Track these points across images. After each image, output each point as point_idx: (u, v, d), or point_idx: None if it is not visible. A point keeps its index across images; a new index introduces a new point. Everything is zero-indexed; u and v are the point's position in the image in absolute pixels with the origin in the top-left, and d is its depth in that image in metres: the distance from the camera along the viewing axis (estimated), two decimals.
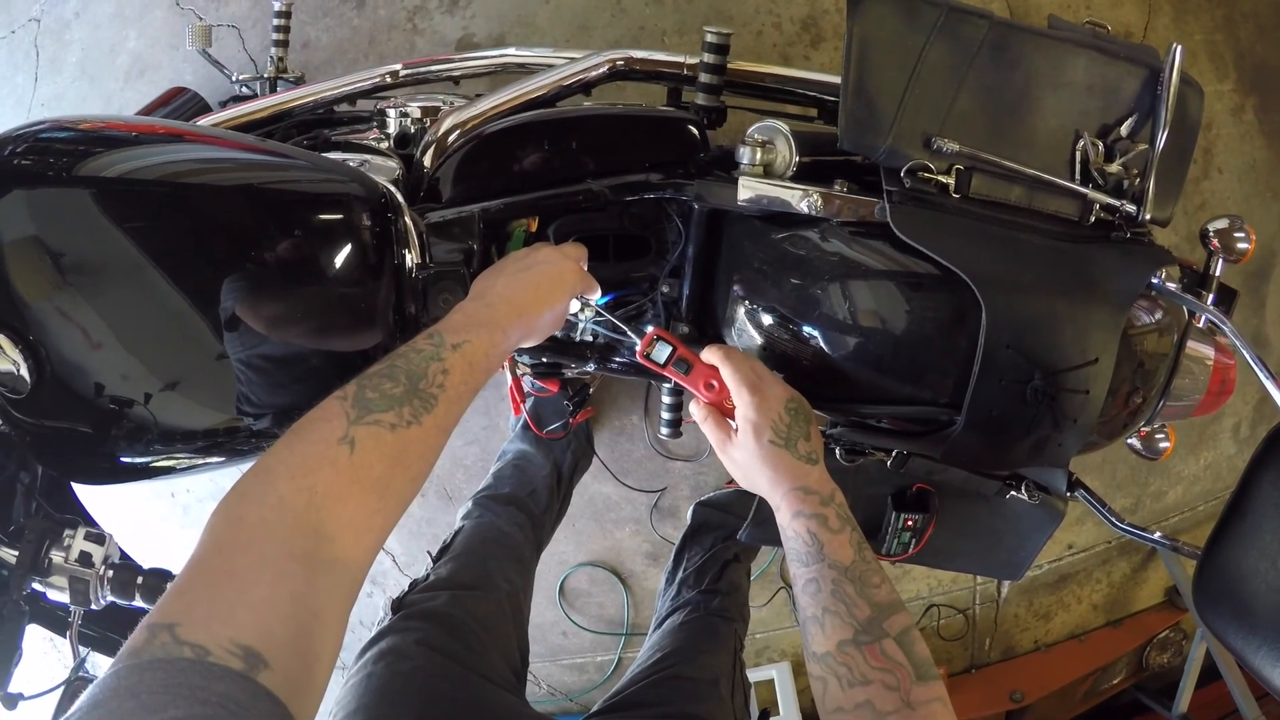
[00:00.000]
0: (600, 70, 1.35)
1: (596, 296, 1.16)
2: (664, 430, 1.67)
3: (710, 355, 1.11)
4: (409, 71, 1.61)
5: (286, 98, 1.53)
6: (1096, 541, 3.05)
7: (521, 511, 1.98)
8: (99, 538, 1.09)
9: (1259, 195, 2.84)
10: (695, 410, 1.13)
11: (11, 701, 1.08)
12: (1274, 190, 2.85)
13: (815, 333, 1.17)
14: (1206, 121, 2.65)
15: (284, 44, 2.14)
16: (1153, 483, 3.00)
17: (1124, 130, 1.14)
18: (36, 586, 1.08)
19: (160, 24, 2.74)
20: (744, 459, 1.07)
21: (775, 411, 1.05)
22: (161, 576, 1.09)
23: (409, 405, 0.84)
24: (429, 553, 1.71)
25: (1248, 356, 1.04)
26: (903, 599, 0.96)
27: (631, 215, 1.34)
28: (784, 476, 1.03)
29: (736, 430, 1.08)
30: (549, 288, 1.07)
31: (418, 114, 1.40)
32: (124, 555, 1.13)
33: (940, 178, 1.09)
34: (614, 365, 1.42)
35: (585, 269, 1.16)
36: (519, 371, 1.64)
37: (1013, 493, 1.33)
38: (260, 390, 1.08)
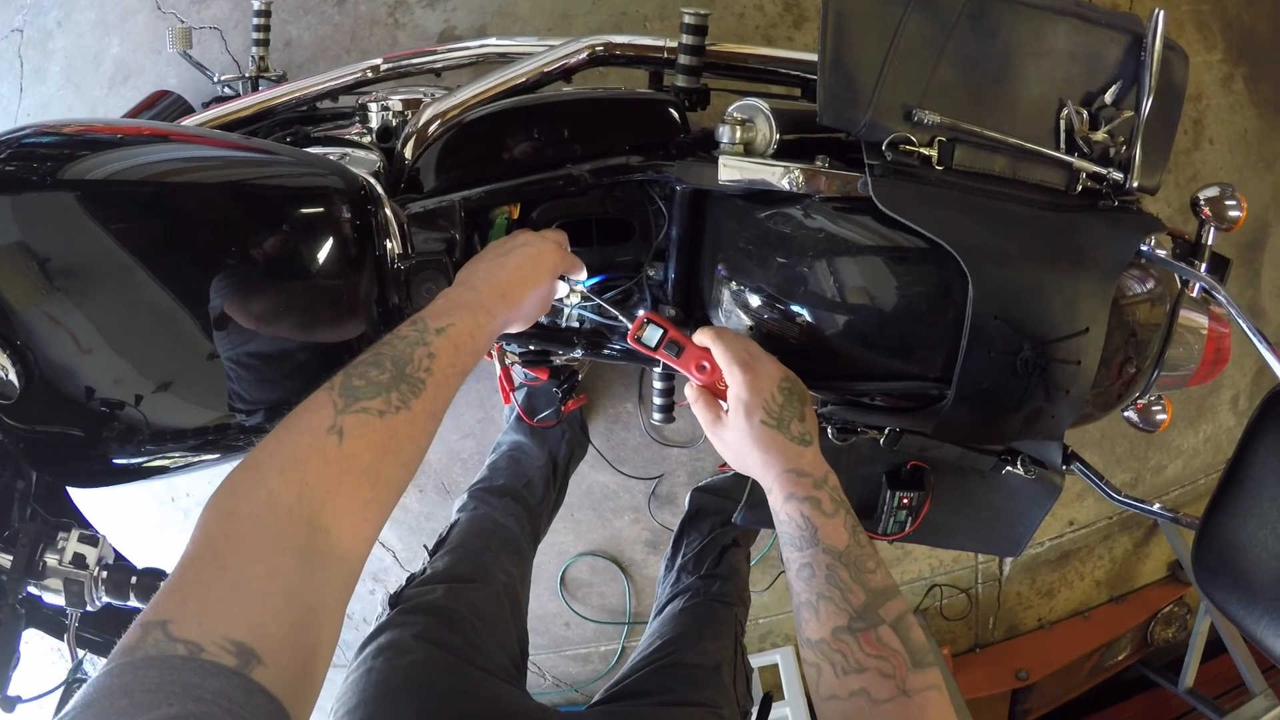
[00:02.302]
0: (580, 56, 1.35)
1: (582, 277, 1.16)
2: (656, 415, 1.66)
3: (702, 336, 1.11)
4: (390, 65, 1.60)
5: (268, 96, 1.52)
6: (1098, 517, 3.05)
7: (517, 503, 1.98)
8: (93, 539, 1.08)
9: (1251, 165, 2.83)
10: (688, 392, 1.13)
11: (10, 704, 1.08)
12: (1266, 160, 2.85)
13: (802, 311, 1.16)
14: (1196, 92, 2.65)
15: (265, 43, 2.14)
16: (1152, 457, 3.00)
17: (1108, 97, 1.13)
18: (32, 590, 1.07)
19: (142, 29, 2.74)
20: (735, 440, 1.06)
21: (768, 391, 1.04)
22: (155, 576, 1.09)
23: (396, 391, 0.83)
24: (425, 547, 1.71)
25: (1242, 323, 1.02)
26: (900, 583, 0.95)
27: (614, 199, 1.34)
28: (776, 458, 1.02)
29: (728, 411, 1.07)
30: (531, 268, 1.07)
31: (399, 107, 1.40)
32: (118, 556, 1.13)
33: (922, 150, 1.08)
34: (603, 351, 1.41)
35: (567, 250, 1.15)
36: (508, 360, 1.64)
37: (1008, 468, 1.32)
38: (251, 387, 1.08)
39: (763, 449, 1.03)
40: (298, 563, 0.70)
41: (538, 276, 1.08)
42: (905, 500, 1.37)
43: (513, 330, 1.11)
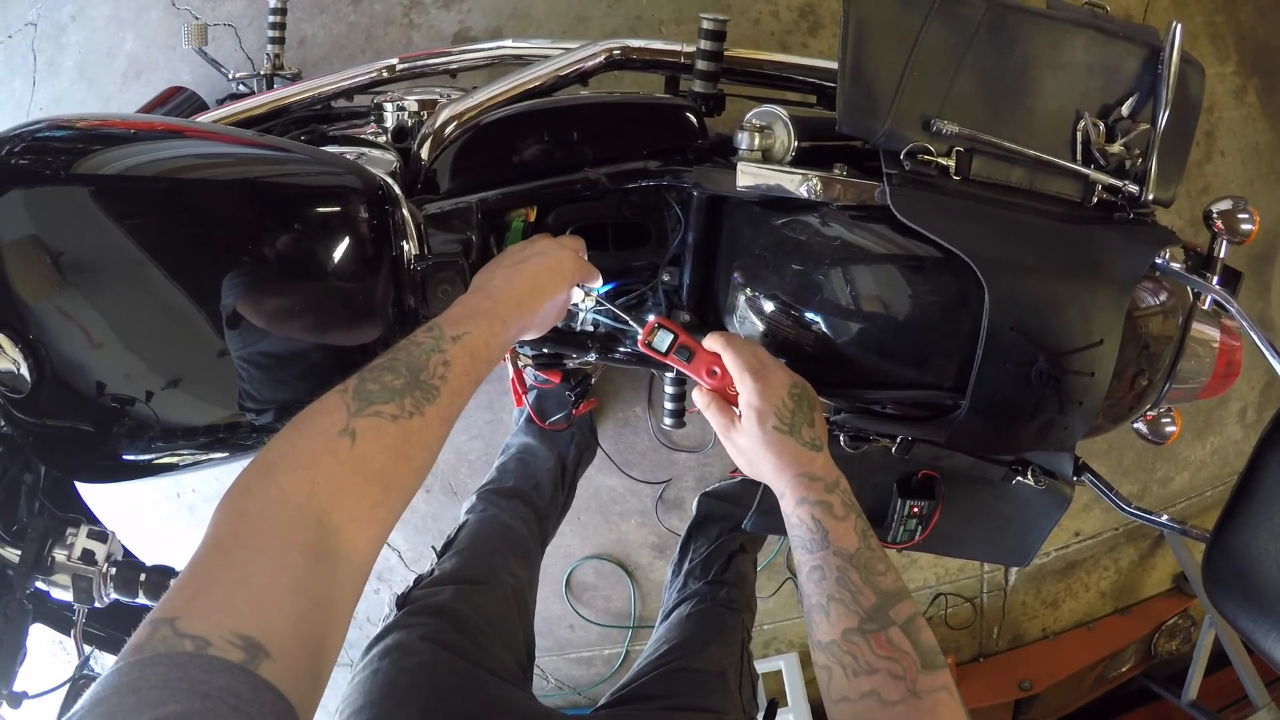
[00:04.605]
0: (597, 60, 1.35)
1: (598, 285, 1.16)
2: (667, 420, 1.66)
3: (712, 342, 1.11)
4: (405, 66, 1.60)
5: (283, 94, 1.52)
6: (1104, 528, 3.04)
7: (525, 505, 1.98)
8: (101, 535, 1.08)
9: (1263, 178, 2.83)
10: (698, 397, 1.13)
11: (16, 700, 1.08)
12: (1278, 172, 2.84)
13: (817, 318, 1.16)
14: (1208, 105, 2.64)
15: (280, 41, 2.15)
16: (1159, 469, 2.99)
17: (1125, 110, 1.13)
18: (40, 585, 1.07)
19: (157, 25, 2.74)
20: (748, 445, 1.06)
21: (779, 397, 1.04)
22: (164, 573, 1.09)
23: (410, 396, 0.83)
24: (433, 548, 1.71)
25: (1254, 335, 1.02)
26: (909, 587, 0.95)
27: (630, 203, 1.34)
28: (788, 463, 1.02)
29: (740, 416, 1.07)
30: (548, 277, 1.07)
31: (415, 107, 1.40)
32: (127, 553, 1.13)
33: (940, 160, 1.08)
34: (616, 355, 1.41)
35: (584, 258, 1.15)
36: (520, 363, 1.64)
37: (1019, 478, 1.32)
38: (262, 386, 1.08)
39: (775, 454, 1.03)
40: (306, 560, 0.70)
41: (554, 286, 1.07)
42: (916, 509, 1.37)
43: (528, 338, 1.11)
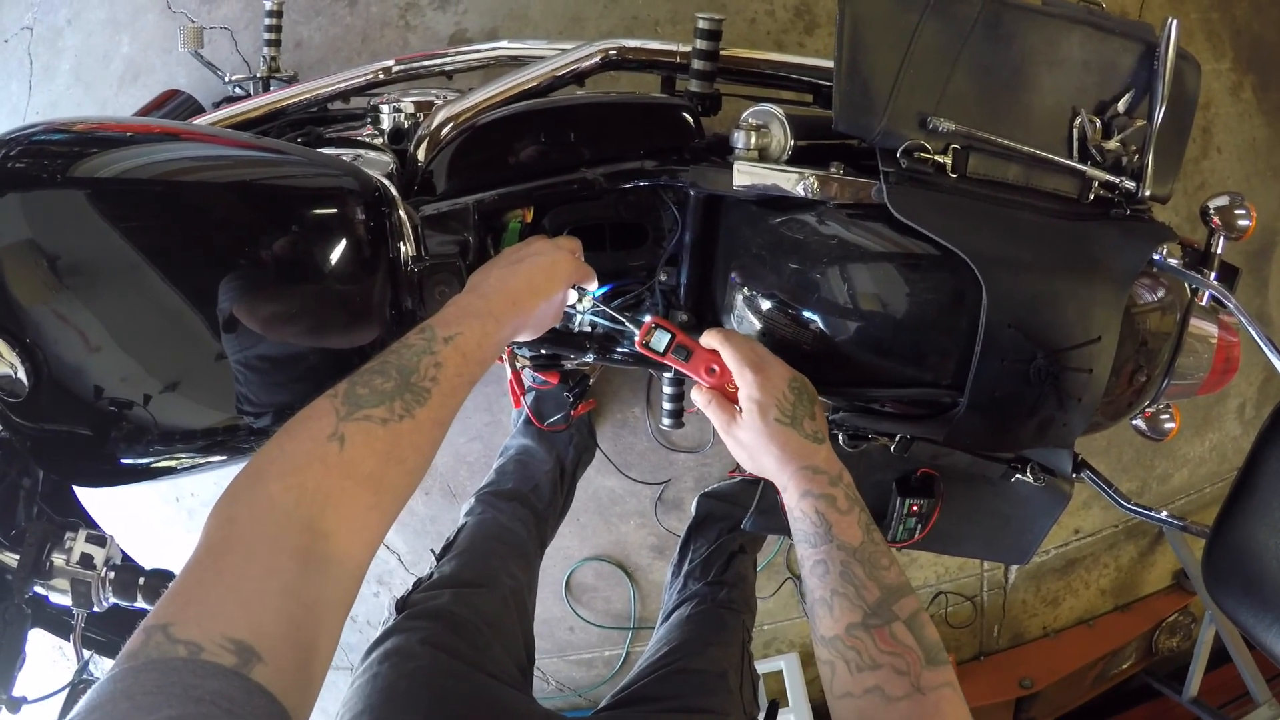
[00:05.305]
0: (593, 60, 1.35)
1: (594, 286, 1.16)
2: (666, 421, 1.66)
3: (709, 339, 1.10)
4: (402, 67, 1.60)
5: (280, 96, 1.52)
6: (1103, 526, 3.05)
7: (525, 507, 1.97)
8: (100, 539, 1.08)
9: (1259, 174, 2.83)
10: (697, 396, 1.12)
11: (15, 705, 1.08)
12: (1274, 168, 2.85)
13: (815, 317, 1.16)
14: (1205, 101, 2.65)
15: (276, 44, 2.14)
16: (1158, 465, 2.99)
17: (1121, 106, 1.13)
18: (39, 590, 1.07)
19: (153, 28, 2.74)
20: (750, 439, 1.06)
21: (779, 390, 1.04)
22: (163, 577, 1.08)
23: (400, 399, 0.83)
24: (432, 551, 1.71)
25: (1252, 331, 1.02)
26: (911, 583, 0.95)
27: (627, 204, 1.34)
28: (792, 455, 1.01)
29: (741, 411, 1.07)
30: (544, 278, 1.06)
31: (411, 109, 1.40)
32: (125, 557, 1.13)
33: (937, 157, 1.08)
34: (614, 355, 1.41)
35: (581, 259, 1.15)
36: (518, 365, 1.64)
37: (1018, 476, 1.32)
38: (259, 389, 1.08)
39: (779, 446, 1.02)
40: (295, 563, 0.70)
41: (550, 287, 1.07)
42: (915, 507, 1.37)
43: (523, 339, 1.10)
